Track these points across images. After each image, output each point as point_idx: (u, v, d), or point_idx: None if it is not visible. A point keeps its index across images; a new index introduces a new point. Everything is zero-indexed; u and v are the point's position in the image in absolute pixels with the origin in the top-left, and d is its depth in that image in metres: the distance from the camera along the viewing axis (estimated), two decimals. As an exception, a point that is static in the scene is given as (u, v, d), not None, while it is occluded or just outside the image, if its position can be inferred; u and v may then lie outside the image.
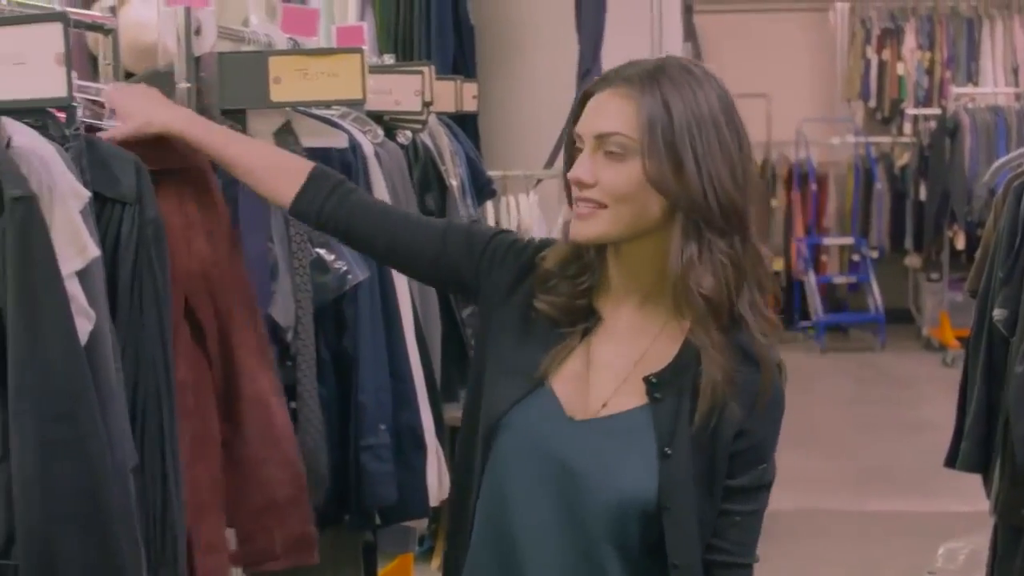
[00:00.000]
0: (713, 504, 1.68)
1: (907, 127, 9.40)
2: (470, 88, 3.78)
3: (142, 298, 1.76)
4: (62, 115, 1.70)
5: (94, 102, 1.88)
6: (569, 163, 1.72)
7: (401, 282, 2.71)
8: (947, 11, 9.31)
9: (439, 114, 3.43)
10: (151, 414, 1.78)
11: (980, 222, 7.80)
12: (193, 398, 1.95)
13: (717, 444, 1.66)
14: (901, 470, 6.06)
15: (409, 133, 3.17)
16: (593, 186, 1.65)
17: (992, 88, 8.95)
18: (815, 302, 9.02)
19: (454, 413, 2.94)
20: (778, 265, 9.39)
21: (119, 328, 1.73)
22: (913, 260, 9.27)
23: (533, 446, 1.71)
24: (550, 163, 4.62)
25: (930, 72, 9.36)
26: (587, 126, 1.68)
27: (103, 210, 1.74)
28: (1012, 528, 2.95)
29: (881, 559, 4.93)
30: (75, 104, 1.69)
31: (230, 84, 2.23)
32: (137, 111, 1.92)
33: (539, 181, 4.55)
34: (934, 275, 9.06)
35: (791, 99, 9.46)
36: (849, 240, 9.36)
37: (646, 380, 1.69)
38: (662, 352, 1.70)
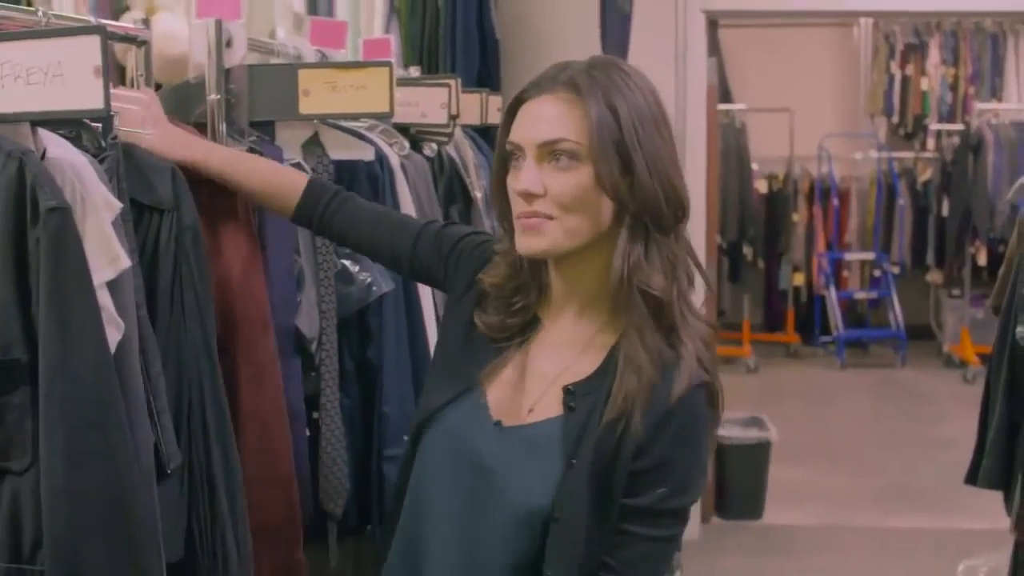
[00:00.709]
0: (607, 519, 1.60)
1: (930, 143, 9.37)
2: (495, 101, 3.79)
3: (183, 305, 1.78)
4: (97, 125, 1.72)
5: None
6: (502, 175, 1.67)
7: (425, 293, 2.73)
8: (971, 27, 9.27)
9: (464, 127, 3.45)
10: (196, 419, 1.79)
11: (1003, 238, 7.77)
12: None
13: (618, 458, 1.59)
14: (921, 487, 6.03)
15: (435, 145, 3.18)
16: (542, 196, 1.59)
17: (1016, 104, 8.91)
18: (836, 317, 8.98)
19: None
20: (799, 280, 9.39)
21: (159, 335, 1.75)
22: (935, 276, 9.24)
23: (453, 447, 1.69)
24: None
25: (954, 88, 9.32)
26: (527, 134, 1.61)
27: (141, 218, 1.77)
28: (1033, 546, 2.95)
29: (901, 576, 4.93)
30: (113, 113, 1.71)
31: (259, 96, 2.26)
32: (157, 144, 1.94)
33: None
34: (955, 291, 9.04)
35: (814, 114, 9.44)
36: (871, 255, 9.33)
37: (564, 389, 1.65)
38: (589, 362, 1.66)
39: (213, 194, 2.02)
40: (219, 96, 2.18)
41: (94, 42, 1.55)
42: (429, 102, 3.06)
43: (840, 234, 9.44)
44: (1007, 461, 3.00)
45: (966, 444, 3.24)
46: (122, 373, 1.62)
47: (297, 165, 2.31)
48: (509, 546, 1.62)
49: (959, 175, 8.71)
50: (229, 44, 2.20)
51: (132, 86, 2.02)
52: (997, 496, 3.10)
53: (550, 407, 1.66)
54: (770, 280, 9.55)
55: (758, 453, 5.56)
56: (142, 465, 1.64)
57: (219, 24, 2.18)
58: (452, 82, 3.15)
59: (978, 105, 8.88)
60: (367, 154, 2.57)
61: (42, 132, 1.62)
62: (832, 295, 9.06)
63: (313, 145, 2.42)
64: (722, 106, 8.10)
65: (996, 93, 9.20)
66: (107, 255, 1.61)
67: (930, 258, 9.22)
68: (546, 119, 1.60)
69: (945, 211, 9.01)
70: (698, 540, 5.15)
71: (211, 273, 1.88)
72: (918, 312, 9.31)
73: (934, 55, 9.31)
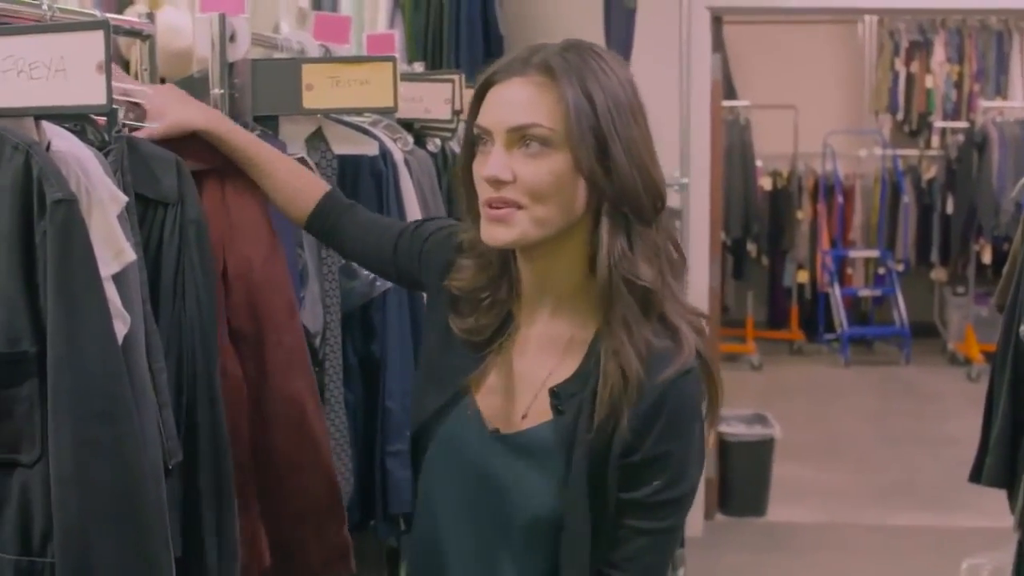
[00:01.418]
0: (607, 516, 1.58)
1: (935, 140, 9.37)
2: (499, 97, 3.79)
3: (184, 299, 1.78)
4: (102, 119, 1.72)
5: (135, 104, 1.89)
6: (468, 162, 1.61)
7: (429, 289, 2.73)
8: (976, 24, 9.26)
9: (468, 122, 3.45)
10: (197, 413, 1.79)
11: (1007, 236, 7.77)
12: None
13: (611, 455, 1.56)
14: (925, 485, 6.04)
15: (439, 141, 3.19)
16: (511, 183, 1.53)
17: (1021, 102, 8.91)
18: (840, 315, 8.98)
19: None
20: (803, 277, 9.39)
21: (162, 329, 1.74)
22: (939, 274, 9.24)
23: (455, 459, 1.68)
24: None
25: (958, 85, 9.32)
26: (497, 119, 1.54)
27: (146, 211, 1.75)
28: (1036, 544, 2.94)
29: (904, 574, 4.92)
30: (116, 108, 1.71)
31: (263, 90, 2.25)
32: (168, 110, 1.91)
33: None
34: (960, 289, 9.04)
35: (819, 111, 9.44)
36: (875, 253, 9.32)
37: (551, 392, 1.61)
38: (569, 362, 1.62)
39: (235, 184, 2.01)
40: (223, 91, 2.18)
41: (98, 37, 1.54)
42: (433, 97, 3.06)
43: (844, 231, 9.44)
44: (1011, 459, 2.99)
45: (970, 442, 3.23)
46: (128, 366, 1.62)
47: (301, 160, 2.31)
48: (522, 552, 1.62)
49: (964, 173, 8.71)
50: (233, 38, 2.20)
51: (136, 80, 2.01)
52: (1001, 494, 3.10)
53: (542, 411, 1.63)
54: (774, 277, 9.55)
55: (762, 450, 5.56)
56: (150, 457, 1.64)
57: (223, 18, 2.17)
58: (456, 77, 3.15)
59: (983, 103, 8.88)
60: (371, 149, 2.57)
61: (46, 125, 1.61)
62: (836, 292, 9.06)
63: (317, 140, 2.42)
64: (726, 103, 8.10)
65: (1001, 91, 9.20)
66: (112, 248, 1.60)
67: (934, 256, 9.22)
68: (517, 103, 1.54)
69: (950, 209, 9.02)
70: (701, 537, 5.15)
71: (215, 268, 1.87)
72: (922, 310, 9.31)
73: (939, 52, 9.30)
